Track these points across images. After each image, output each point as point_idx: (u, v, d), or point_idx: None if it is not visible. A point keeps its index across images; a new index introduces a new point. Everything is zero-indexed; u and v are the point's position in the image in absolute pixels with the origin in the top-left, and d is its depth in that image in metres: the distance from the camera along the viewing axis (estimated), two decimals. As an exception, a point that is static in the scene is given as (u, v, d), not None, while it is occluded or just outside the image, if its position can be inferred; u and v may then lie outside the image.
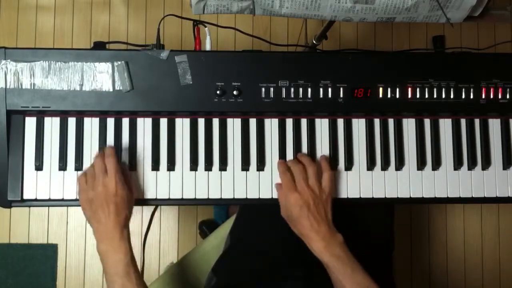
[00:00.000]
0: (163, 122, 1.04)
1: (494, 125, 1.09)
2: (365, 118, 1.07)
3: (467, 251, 2.01)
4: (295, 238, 1.19)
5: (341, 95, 1.03)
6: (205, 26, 1.08)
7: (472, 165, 1.07)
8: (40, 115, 1.01)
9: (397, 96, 1.04)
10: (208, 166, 1.03)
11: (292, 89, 1.02)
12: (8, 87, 0.97)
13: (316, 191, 0.98)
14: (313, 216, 0.97)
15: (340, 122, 1.06)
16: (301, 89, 1.02)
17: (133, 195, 0.99)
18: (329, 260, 0.95)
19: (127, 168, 1.01)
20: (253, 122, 1.05)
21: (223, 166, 1.03)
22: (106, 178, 0.95)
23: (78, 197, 0.98)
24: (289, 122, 1.06)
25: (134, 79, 0.99)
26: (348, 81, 1.03)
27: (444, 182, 1.07)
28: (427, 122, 1.08)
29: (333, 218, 0.99)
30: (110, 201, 0.94)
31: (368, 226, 1.23)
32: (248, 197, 1.03)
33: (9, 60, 0.97)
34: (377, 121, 1.07)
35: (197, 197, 1.03)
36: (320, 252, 0.96)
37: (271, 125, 1.05)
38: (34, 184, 1.00)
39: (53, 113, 1.01)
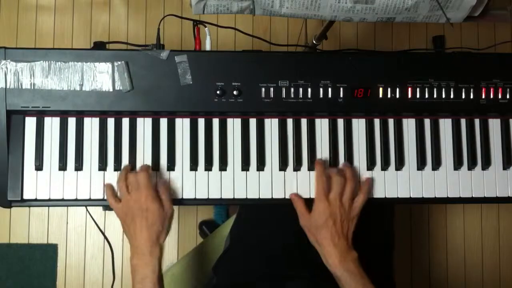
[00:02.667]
0: (163, 122, 1.04)
1: (494, 125, 1.09)
2: (365, 118, 1.07)
3: (467, 251, 2.02)
4: (295, 238, 1.19)
5: (341, 95, 1.03)
6: (205, 26, 1.08)
7: (472, 165, 1.07)
8: (40, 115, 1.01)
9: (397, 96, 1.04)
10: (208, 166, 1.03)
11: (292, 89, 1.02)
12: (8, 87, 0.97)
13: (346, 208, 0.98)
14: (336, 230, 0.97)
15: (340, 122, 1.06)
16: (301, 89, 1.02)
17: (167, 211, 0.98)
18: (342, 274, 0.95)
19: (166, 185, 1.00)
20: (253, 122, 1.05)
21: (223, 166, 1.03)
22: (138, 193, 0.95)
23: (114, 210, 0.99)
24: (289, 122, 1.06)
25: (134, 79, 0.99)
26: (348, 81, 1.03)
27: (444, 182, 1.06)
28: (427, 122, 1.08)
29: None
30: (142, 216, 0.95)
31: (368, 226, 1.23)
32: (248, 197, 1.03)
33: (9, 60, 0.97)
34: (377, 121, 1.07)
35: (197, 197, 1.03)
36: (334, 265, 0.96)
37: (271, 125, 1.05)
38: (34, 184, 1.00)
39: (53, 113, 1.01)
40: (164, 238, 0.97)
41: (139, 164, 1.02)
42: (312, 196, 1.03)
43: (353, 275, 0.95)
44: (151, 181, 0.97)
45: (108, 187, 1.00)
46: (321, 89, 1.03)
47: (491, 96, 1.05)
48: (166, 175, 1.02)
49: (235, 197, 1.03)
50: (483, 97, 1.05)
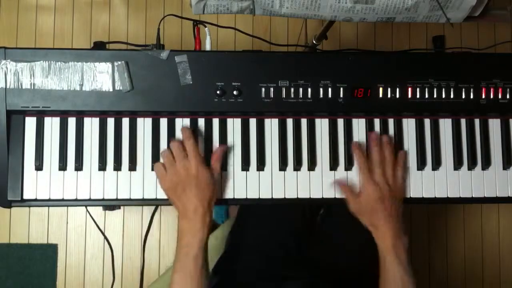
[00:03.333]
0: (163, 122, 1.04)
1: (494, 125, 1.09)
2: (365, 118, 1.07)
3: (467, 251, 2.02)
4: (294, 238, 1.19)
5: (341, 95, 1.03)
6: (205, 26, 1.08)
7: (472, 165, 1.07)
8: (40, 115, 1.01)
9: (397, 96, 1.04)
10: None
11: (292, 89, 1.02)
12: (8, 87, 0.97)
13: (392, 186, 0.99)
14: (388, 210, 0.97)
15: (340, 122, 1.06)
16: (301, 89, 1.02)
17: (217, 178, 0.98)
18: (392, 259, 0.95)
19: (219, 153, 1.00)
20: (253, 122, 1.05)
21: (223, 166, 1.03)
22: (186, 160, 0.95)
23: (160, 185, 0.99)
24: (289, 122, 1.06)
25: (134, 79, 0.99)
26: (348, 81, 1.03)
27: (444, 182, 1.06)
28: (427, 122, 1.08)
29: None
30: (193, 183, 0.94)
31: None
32: (248, 197, 1.03)
33: (9, 60, 0.97)
34: (377, 121, 1.07)
35: (197, 197, 1.03)
36: (386, 248, 0.97)
37: (271, 125, 1.05)
38: (34, 184, 1.00)
39: (53, 113, 1.01)
40: (213, 205, 0.97)
41: (139, 164, 1.02)
42: (312, 196, 1.03)
43: (401, 264, 0.95)
44: (198, 147, 0.98)
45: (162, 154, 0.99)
46: (321, 89, 1.03)
47: (491, 96, 1.05)
48: (166, 175, 1.02)
49: (235, 197, 1.03)
50: (483, 97, 1.05)
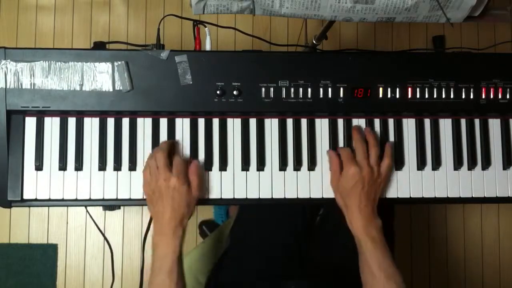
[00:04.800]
0: (163, 122, 1.04)
1: (494, 125, 1.09)
2: (365, 118, 1.07)
3: (467, 251, 2.01)
4: (294, 238, 1.19)
5: (341, 95, 1.03)
6: (205, 26, 1.08)
7: (472, 165, 1.07)
8: (40, 115, 1.01)
9: (397, 96, 1.04)
10: (208, 166, 1.03)
11: (292, 89, 1.02)
12: (8, 87, 0.97)
13: (375, 172, 0.99)
14: (364, 194, 0.98)
15: (340, 122, 1.06)
16: (301, 89, 1.02)
17: (195, 194, 0.97)
18: (364, 239, 0.96)
19: (198, 168, 0.99)
20: (253, 122, 1.05)
21: (223, 166, 1.03)
22: (168, 172, 0.95)
23: (143, 189, 0.99)
24: (289, 122, 1.06)
25: (134, 79, 0.99)
26: (348, 81, 1.03)
27: (444, 182, 1.06)
28: (427, 122, 1.08)
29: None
30: (168, 195, 0.94)
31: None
32: (248, 197, 1.03)
33: (9, 60, 0.97)
34: (377, 121, 1.07)
35: (197, 197, 1.03)
36: (357, 229, 0.97)
37: (271, 125, 1.05)
38: (34, 184, 1.00)
39: (53, 113, 1.01)
40: (187, 220, 0.97)
41: (139, 164, 1.02)
42: (312, 196, 1.04)
43: (374, 242, 0.96)
44: (183, 162, 0.97)
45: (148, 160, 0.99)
46: (321, 89, 1.03)
47: (491, 96, 1.05)
48: (166, 175, 1.02)
49: (235, 197, 1.03)
50: (483, 97, 1.05)
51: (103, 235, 1.27)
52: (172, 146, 1.01)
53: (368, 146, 1.01)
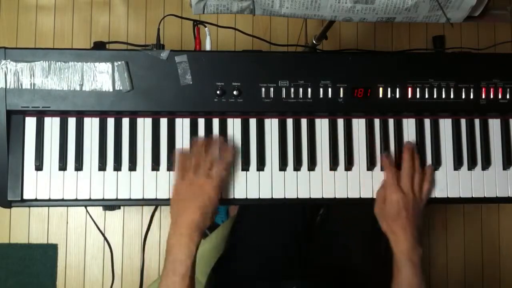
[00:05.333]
0: (163, 122, 1.04)
1: (494, 125, 1.09)
2: (365, 118, 1.07)
3: (467, 251, 2.01)
4: (294, 238, 1.19)
5: (341, 95, 1.03)
6: (205, 26, 1.08)
7: (472, 165, 1.07)
8: (40, 115, 1.01)
9: (397, 96, 1.04)
10: (208, 166, 1.03)
11: (292, 89, 1.02)
12: (8, 87, 0.97)
13: (417, 198, 1.01)
14: (409, 220, 0.99)
15: (340, 122, 1.06)
16: (301, 89, 1.02)
17: (217, 204, 0.97)
18: (405, 263, 0.97)
19: (226, 180, 1.00)
20: (253, 122, 1.05)
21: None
22: (205, 178, 0.94)
23: (173, 181, 0.98)
24: (289, 122, 1.06)
25: (134, 79, 0.99)
26: (348, 81, 1.03)
27: (444, 182, 1.06)
28: (427, 122, 1.08)
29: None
30: (198, 199, 0.93)
31: (368, 226, 1.23)
32: (248, 197, 1.03)
33: (9, 60, 0.97)
34: (377, 121, 1.07)
35: (197, 197, 1.03)
36: (402, 252, 0.98)
37: (271, 125, 1.05)
38: (34, 184, 1.00)
39: (53, 113, 1.01)
40: (204, 229, 0.95)
41: (139, 164, 1.02)
42: (312, 196, 1.03)
43: (414, 267, 0.97)
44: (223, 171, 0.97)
45: (181, 157, 0.98)
46: (321, 89, 1.03)
47: (491, 96, 1.05)
48: (166, 175, 1.02)
49: (235, 197, 1.03)
50: (483, 97, 1.05)
51: (103, 235, 1.27)
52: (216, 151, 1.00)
53: (414, 171, 1.02)
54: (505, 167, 1.08)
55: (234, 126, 1.05)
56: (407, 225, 0.98)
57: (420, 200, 1.01)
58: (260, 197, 1.03)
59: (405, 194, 0.99)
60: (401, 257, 0.98)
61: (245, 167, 1.03)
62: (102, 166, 1.01)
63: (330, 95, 1.03)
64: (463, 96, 1.05)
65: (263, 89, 1.02)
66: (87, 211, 1.22)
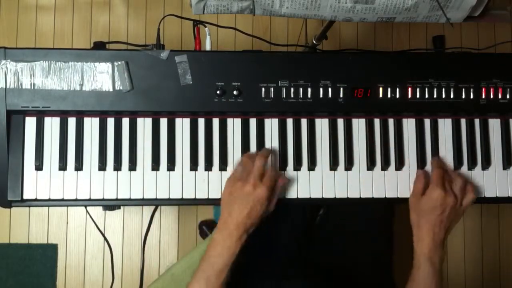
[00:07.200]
0: (163, 122, 1.04)
1: (494, 125, 1.09)
2: (365, 118, 1.07)
3: (466, 251, 2.01)
4: (295, 238, 1.19)
5: (341, 95, 1.03)
6: (205, 26, 1.08)
7: (472, 165, 1.07)
8: (40, 115, 1.01)
9: (397, 96, 1.04)
10: (208, 166, 1.03)
11: (292, 89, 1.02)
12: (8, 87, 0.97)
13: (458, 202, 0.99)
14: (441, 220, 0.97)
15: (340, 122, 1.06)
16: (301, 89, 1.02)
17: (270, 209, 0.98)
18: (425, 262, 0.96)
19: (281, 187, 1.00)
20: (253, 122, 1.05)
21: (223, 166, 1.03)
22: (259, 182, 0.94)
23: (226, 183, 0.99)
24: (289, 122, 1.06)
25: (134, 79, 0.99)
26: (348, 81, 1.03)
27: (444, 182, 1.06)
28: (427, 122, 1.08)
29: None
30: (250, 203, 0.94)
31: (368, 226, 1.23)
32: (248, 197, 1.03)
33: (9, 60, 0.97)
34: (377, 121, 1.07)
35: (197, 197, 1.03)
36: (422, 250, 0.97)
37: (271, 125, 1.05)
38: (34, 184, 1.00)
39: (53, 113, 1.01)
40: (250, 232, 0.96)
41: (139, 164, 1.02)
42: (312, 196, 1.03)
43: (433, 268, 0.95)
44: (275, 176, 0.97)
45: (245, 159, 0.99)
46: (321, 89, 1.03)
47: (491, 96, 1.05)
48: (166, 175, 1.02)
49: (235, 197, 1.03)
50: (483, 97, 1.05)
51: (103, 235, 1.27)
52: (269, 155, 1.01)
53: (451, 173, 1.02)
54: (505, 167, 1.08)
55: (234, 126, 1.05)
56: (437, 224, 0.97)
57: (460, 205, 0.99)
58: (260, 197, 1.03)
59: (447, 193, 0.97)
60: (421, 255, 0.96)
61: (245, 167, 1.03)
62: (102, 166, 1.01)
63: (330, 95, 1.03)
64: (463, 96, 1.05)
65: (263, 89, 1.02)
66: (87, 211, 1.22)
